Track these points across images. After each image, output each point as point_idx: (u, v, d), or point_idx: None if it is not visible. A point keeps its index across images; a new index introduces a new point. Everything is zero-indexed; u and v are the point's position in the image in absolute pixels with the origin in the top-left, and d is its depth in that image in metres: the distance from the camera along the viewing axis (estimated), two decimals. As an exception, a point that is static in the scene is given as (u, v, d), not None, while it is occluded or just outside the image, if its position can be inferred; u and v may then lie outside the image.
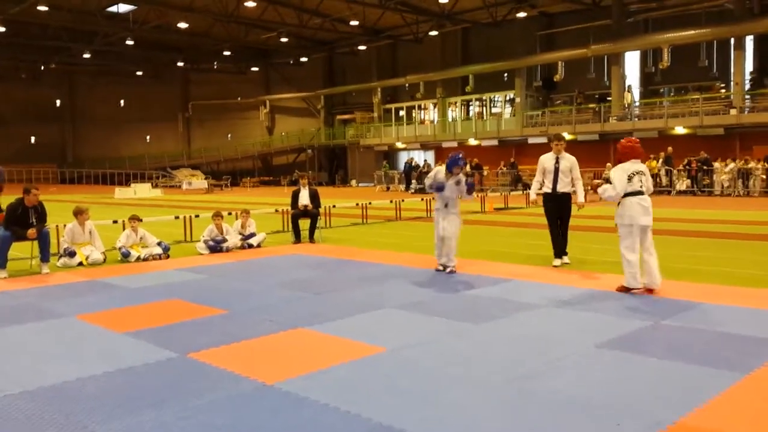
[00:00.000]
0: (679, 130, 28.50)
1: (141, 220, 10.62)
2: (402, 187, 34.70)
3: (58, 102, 54.41)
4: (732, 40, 28.26)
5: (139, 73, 52.34)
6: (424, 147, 40.04)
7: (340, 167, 47.55)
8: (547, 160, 8.70)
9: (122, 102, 54.17)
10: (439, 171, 8.46)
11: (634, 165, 6.85)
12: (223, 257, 10.21)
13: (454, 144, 37.65)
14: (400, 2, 34.10)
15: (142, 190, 34.85)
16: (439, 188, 8.29)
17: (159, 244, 10.25)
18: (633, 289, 6.71)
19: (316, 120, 49.03)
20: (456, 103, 39.35)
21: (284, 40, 42.64)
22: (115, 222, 11.79)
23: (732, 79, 27.95)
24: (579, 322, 5.78)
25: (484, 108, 37.91)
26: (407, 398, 3.98)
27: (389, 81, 42.09)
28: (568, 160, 8.55)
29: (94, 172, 50.97)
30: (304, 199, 11.99)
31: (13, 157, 48.80)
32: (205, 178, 41.49)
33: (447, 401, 3.92)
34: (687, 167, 26.31)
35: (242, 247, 11.02)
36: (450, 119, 39.26)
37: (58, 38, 41.17)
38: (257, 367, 4.62)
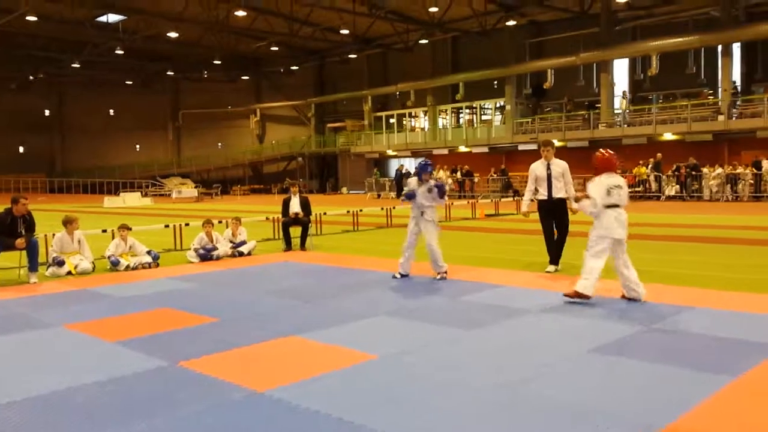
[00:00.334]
0: (668, 136, 28.71)
1: (130, 229, 10.56)
2: (393, 194, 34.72)
3: (47, 112, 54.13)
4: (719, 48, 28.53)
5: (129, 82, 52.18)
6: (415, 154, 40.11)
7: (331, 175, 47.56)
8: (538, 167, 8.72)
9: (112, 111, 53.95)
10: (411, 181, 8.50)
11: (610, 178, 6.74)
12: (214, 265, 10.17)
13: (445, 151, 37.78)
14: (390, 11, 34.22)
15: (131, 199, 34.67)
16: (410, 196, 8.33)
17: (148, 252, 10.20)
18: (584, 297, 6.53)
19: (306, 128, 49.05)
20: (446, 110, 39.48)
21: (275, 48, 42.69)
22: (104, 231, 11.72)
23: (720, 85, 28.20)
24: (570, 327, 5.79)
25: (475, 115, 38.06)
26: (399, 405, 3.97)
27: (380, 89, 42.20)
28: (559, 166, 8.58)
29: (84, 181, 50.69)
30: (295, 206, 11.98)
31: (1, 166, 48.62)
32: (196, 187, 41.34)
33: (439, 407, 3.92)
34: (676, 173, 26.49)
35: (233, 255, 10.99)
36: (440, 127, 39.38)
37: (47, 48, 41.03)
38: (248, 375, 4.60)
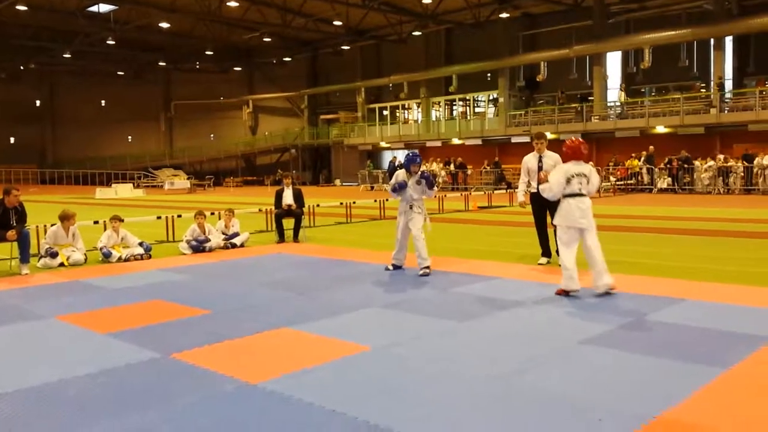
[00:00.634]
0: (661, 129, 28.79)
1: (122, 221, 10.51)
2: (386, 186, 34.69)
3: (38, 102, 53.78)
4: (712, 41, 28.60)
5: (121, 73, 51.85)
6: (408, 147, 40.01)
7: (324, 167, 47.48)
8: (530, 160, 8.73)
9: (103, 102, 53.64)
10: (399, 173, 8.41)
11: (575, 166, 6.68)
12: (206, 257, 10.15)
13: (438, 144, 37.76)
14: (384, 2, 34.11)
15: (123, 190, 34.52)
16: (401, 186, 8.22)
17: (140, 244, 10.16)
18: (571, 291, 6.57)
19: (299, 120, 48.92)
20: (440, 102, 39.45)
21: (267, 39, 42.49)
22: (96, 222, 11.67)
23: (712, 78, 28.27)
24: (562, 319, 5.81)
25: (468, 108, 38.05)
26: (392, 396, 3.98)
27: (373, 81, 42.11)
28: (551, 158, 8.58)
29: (75, 172, 50.44)
30: (288, 198, 11.95)
31: (-8, 157, 48.35)
32: (188, 178, 41.19)
33: (432, 399, 3.93)
34: (668, 165, 26.60)
35: (225, 247, 10.96)
36: (434, 119, 39.35)
37: (37, 38, 40.66)
38: (241, 366, 4.60)
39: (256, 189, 39.44)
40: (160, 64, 49.74)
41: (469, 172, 33.66)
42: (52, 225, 10.42)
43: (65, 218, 9.76)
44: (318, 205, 15.61)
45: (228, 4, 33.70)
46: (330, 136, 45.20)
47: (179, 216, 13.12)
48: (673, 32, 28.25)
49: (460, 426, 3.52)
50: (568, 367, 4.48)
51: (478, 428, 3.50)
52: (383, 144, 40.91)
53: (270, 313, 6.28)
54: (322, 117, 48.00)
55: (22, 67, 48.32)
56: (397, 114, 41.68)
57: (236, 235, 11.28)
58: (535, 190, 8.63)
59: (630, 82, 33.47)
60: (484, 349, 4.94)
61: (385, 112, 41.63)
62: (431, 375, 4.37)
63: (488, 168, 33.10)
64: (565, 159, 6.87)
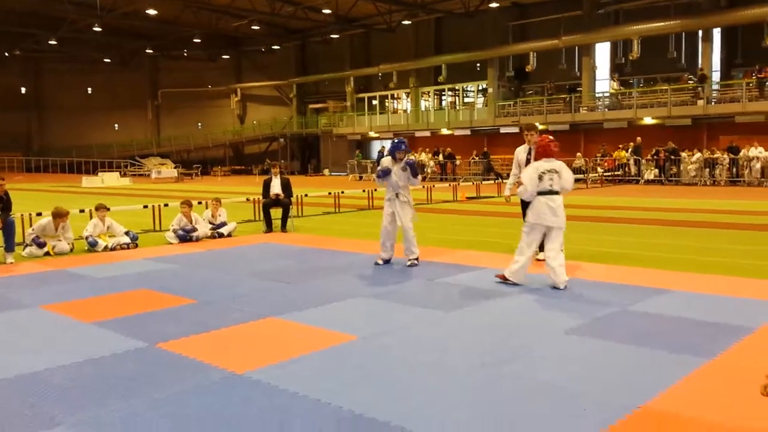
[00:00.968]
0: (648, 120, 28.91)
1: (108, 209, 10.45)
2: (374, 175, 34.63)
3: (23, 89, 53.16)
4: (700, 32, 28.68)
5: (107, 60, 51.30)
6: (397, 136, 39.91)
7: (313, 156, 47.31)
8: (520, 152, 8.66)
9: (89, 90, 53.13)
10: (384, 160, 8.34)
11: (546, 163, 6.69)
12: (193, 247, 10.11)
13: (427, 134, 37.72)
14: (373, -10, 33.91)
15: (110, 178, 34.29)
16: (386, 172, 8.13)
17: (127, 233, 10.10)
18: (510, 281, 6.74)
19: (288, 109, 48.67)
20: (429, 92, 39.37)
21: (256, 27, 42.13)
22: (81, 211, 11.58)
23: (699, 70, 28.38)
24: (548, 309, 5.85)
25: (457, 98, 38.00)
26: (379, 386, 3.99)
27: (362, 70, 41.93)
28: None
29: (61, 160, 50.00)
30: (276, 188, 11.91)
31: (-23, 146, 47.78)
32: (175, 167, 40.93)
33: (418, 389, 3.95)
34: (655, 157, 26.73)
35: (212, 237, 10.92)
36: (423, 109, 39.28)
37: (23, 24, 40.10)
38: (227, 356, 4.59)
39: (244, 178, 39.29)
40: (147, 51, 49.27)
41: (457, 162, 33.65)
42: (38, 214, 10.34)
43: (58, 215, 9.62)
44: (306, 195, 15.58)
45: (216, -9, 33.40)
46: (319, 125, 45.02)
47: (166, 205, 13.05)
48: (662, 23, 28.33)
49: (446, 415, 3.54)
50: (554, 356, 4.51)
51: (464, 417, 3.52)
52: (372, 134, 40.82)
53: (257, 302, 6.27)
54: (311, 106, 47.77)
55: (7, 54, 47.73)
56: (386, 104, 41.56)
57: (223, 224, 11.23)
58: None
59: (618, 72, 33.53)
60: (471, 339, 4.96)
61: (374, 102, 41.50)
62: (418, 364, 4.38)
63: (477, 158, 33.13)
64: (537, 157, 6.92)
